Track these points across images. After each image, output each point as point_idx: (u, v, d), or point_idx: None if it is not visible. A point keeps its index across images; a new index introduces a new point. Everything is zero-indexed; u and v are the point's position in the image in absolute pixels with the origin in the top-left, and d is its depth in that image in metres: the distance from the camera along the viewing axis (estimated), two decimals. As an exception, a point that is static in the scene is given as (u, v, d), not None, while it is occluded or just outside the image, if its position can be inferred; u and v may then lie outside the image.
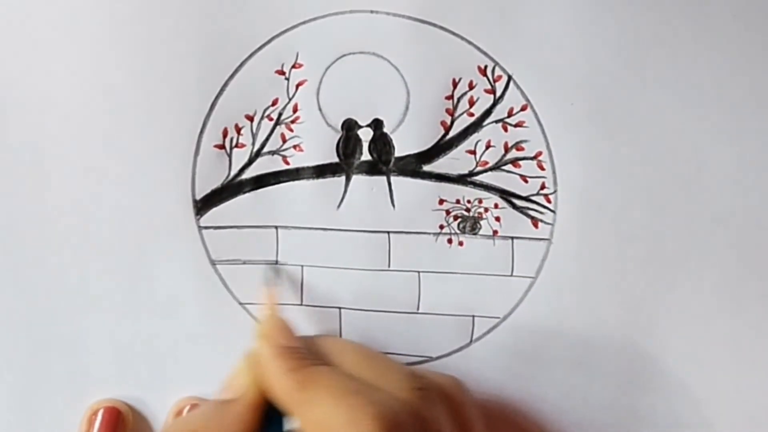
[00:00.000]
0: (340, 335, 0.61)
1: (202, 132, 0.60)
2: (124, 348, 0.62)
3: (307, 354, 0.53)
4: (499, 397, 0.61)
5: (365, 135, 0.61)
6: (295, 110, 0.60)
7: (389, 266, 0.61)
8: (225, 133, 0.60)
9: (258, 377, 0.52)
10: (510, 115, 0.60)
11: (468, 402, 0.54)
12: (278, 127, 0.60)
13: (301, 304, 0.61)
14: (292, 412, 0.50)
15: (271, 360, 0.52)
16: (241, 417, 0.52)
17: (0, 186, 0.60)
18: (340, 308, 0.61)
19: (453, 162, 0.60)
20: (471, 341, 0.61)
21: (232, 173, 0.61)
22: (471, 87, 0.60)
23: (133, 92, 0.60)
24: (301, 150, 0.60)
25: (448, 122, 0.60)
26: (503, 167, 0.60)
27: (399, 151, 0.60)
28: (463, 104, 0.60)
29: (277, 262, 0.61)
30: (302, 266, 0.61)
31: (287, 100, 0.60)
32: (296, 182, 0.60)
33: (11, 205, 0.61)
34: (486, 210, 0.60)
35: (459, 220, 0.60)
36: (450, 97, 0.60)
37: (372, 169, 0.60)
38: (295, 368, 0.51)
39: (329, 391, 0.49)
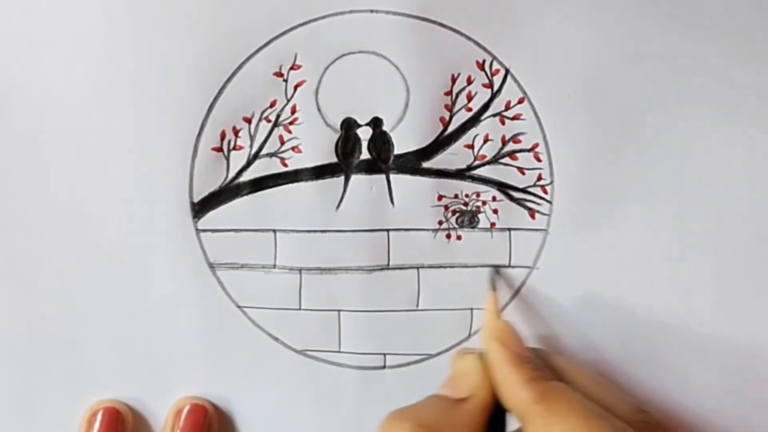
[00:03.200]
0: (340, 336, 0.61)
1: (199, 134, 0.59)
2: (123, 349, 0.61)
3: (542, 366, 0.53)
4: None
5: (364, 134, 0.60)
6: (293, 111, 0.59)
7: (388, 264, 0.61)
8: (223, 136, 0.59)
9: (490, 380, 0.53)
10: (507, 108, 0.60)
11: None
12: (276, 128, 0.60)
13: (300, 309, 0.60)
14: (526, 421, 0.50)
15: (509, 366, 0.52)
16: (473, 419, 0.52)
17: (-1, 186, 0.59)
18: (339, 311, 0.61)
19: (451, 157, 0.60)
20: (470, 335, 0.61)
21: (230, 176, 0.60)
22: (469, 82, 0.60)
23: (131, 95, 0.59)
24: (300, 151, 0.60)
25: (447, 118, 0.60)
26: (501, 160, 0.60)
27: (398, 149, 0.60)
28: (462, 99, 0.60)
29: (496, 268, 0.61)
30: (300, 269, 0.60)
31: (285, 101, 0.59)
32: (294, 185, 0.60)
33: (10, 206, 0.60)
34: (484, 203, 0.61)
35: (457, 214, 0.61)
36: (449, 93, 0.60)
37: (371, 167, 0.60)
38: (535, 379, 0.51)
39: (573, 409, 0.49)
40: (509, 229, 0.61)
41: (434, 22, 0.59)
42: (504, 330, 0.55)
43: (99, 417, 0.60)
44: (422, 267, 0.61)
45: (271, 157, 0.60)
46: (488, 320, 0.58)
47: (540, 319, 0.61)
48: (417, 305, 0.61)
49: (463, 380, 0.54)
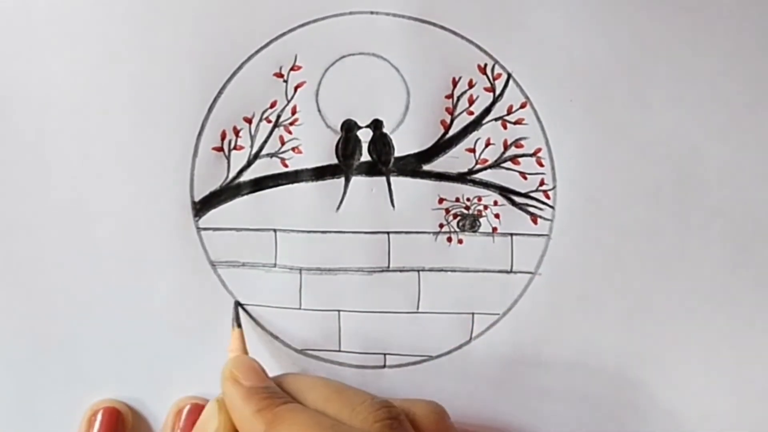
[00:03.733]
0: (340, 337, 0.61)
1: (200, 134, 0.59)
2: (123, 348, 0.61)
3: (275, 393, 0.53)
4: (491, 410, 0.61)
5: (365, 136, 0.60)
6: (293, 112, 0.60)
7: (389, 267, 0.61)
8: (223, 136, 0.60)
9: (229, 419, 0.53)
10: (509, 112, 0.60)
11: (447, 429, 0.54)
12: (277, 129, 0.60)
13: (300, 308, 0.60)
14: None
15: (240, 401, 0.52)
16: None
17: (-1, 187, 0.59)
18: (339, 311, 0.61)
19: (453, 161, 0.60)
20: (471, 338, 0.61)
21: (231, 175, 0.60)
22: (471, 85, 0.60)
23: (132, 94, 0.59)
24: (300, 152, 0.60)
25: (448, 121, 0.60)
26: (502, 164, 0.60)
27: (399, 151, 0.60)
28: (463, 103, 0.60)
29: (237, 304, 0.61)
30: (300, 269, 0.60)
31: (286, 102, 0.60)
32: (295, 185, 0.60)
33: (10, 206, 0.60)
34: (485, 207, 0.60)
35: (458, 218, 0.60)
36: (450, 96, 0.60)
37: (371, 169, 0.60)
38: (264, 408, 0.51)
39: (298, 428, 0.49)
40: (511, 234, 0.61)
41: (435, 24, 0.59)
42: (236, 366, 0.55)
43: (99, 417, 0.60)
44: (423, 270, 0.61)
45: (271, 157, 0.60)
46: (228, 359, 0.57)
47: (542, 327, 0.60)
48: (417, 307, 0.61)
49: (205, 427, 0.54)
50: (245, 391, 0.53)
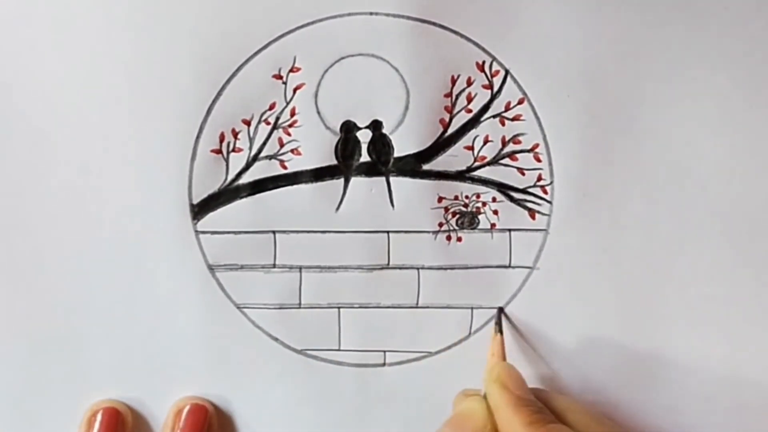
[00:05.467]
0: (339, 334, 0.61)
1: (198, 137, 0.59)
2: (123, 350, 0.61)
3: (543, 409, 0.54)
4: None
5: (364, 136, 0.60)
6: (292, 114, 0.59)
7: (388, 265, 0.60)
8: (222, 138, 0.59)
9: (492, 422, 0.54)
10: (507, 109, 0.60)
11: None
12: (276, 131, 0.60)
13: (300, 306, 0.60)
14: None
15: (511, 410, 0.54)
16: None
17: (-1, 188, 0.59)
18: (338, 308, 0.61)
19: (451, 159, 0.60)
20: (470, 333, 0.61)
21: (229, 178, 0.60)
22: (469, 83, 0.59)
23: (130, 96, 0.59)
24: (299, 154, 0.60)
25: (447, 120, 0.60)
26: (501, 161, 0.60)
27: (398, 152, 0.60)
28: (462, 101, 0.60)
29: (501, 310, 0.61)
30: (300, 268, 0.60)
31: (285, 103, 0.59)
32: (294, 187, 0.60)
33: (10, 207, 0.60)
34: (484, 204, 0.61)
35: (457, 215, 0.60)
36: (449, 95, 0.60)
37: (371, 170, 0.60)
38: (535, 422, 0.52)
39: None
40: (509, 230, 0.61)
41: (434, 23, 0.59)
42: (506, 373, 0.56)
43: (99, 417, 0.60)
44: (422, 268, 0.61)
45: (270, 159, 0.60)
46: (491, 363, 0.58)
47: (540, 320, 0.61)
48: (417, 304, 0.61)
49: (467, 421, 0.55)
50: (516, 399, 0.54)
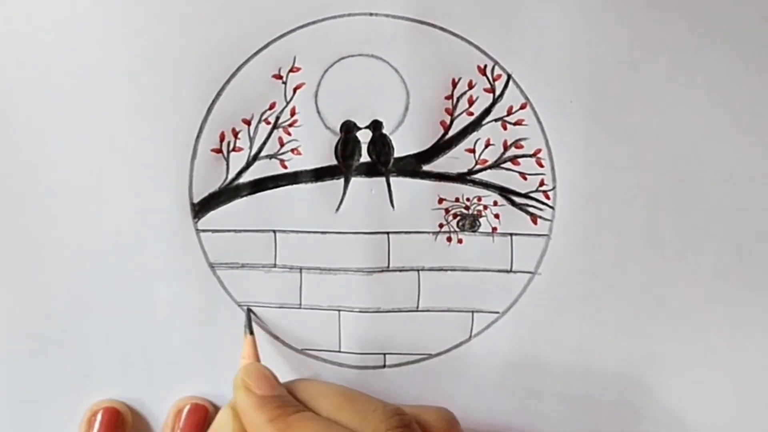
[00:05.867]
0: (340, 336, 0.61)
1: (199, 136, 0.59)
2: (123, 349, 0.61)
3: (288, 401, 0.54)
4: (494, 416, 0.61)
5: (364, 137, 0.60)
6: (292, 113, 0.59)
7: (389, 266, 0.60)
8: (222, 137, 0.60)
9: (242, 427, 0.54)
10: (509, 113, 0.60)
11: None
12: (276, 130, 0.60)
13: (300, 307, 0.60)
14: None
15: (252, 410, 0.53)
16: None
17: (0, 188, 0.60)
18: (339, 310, 0.61)
19: (452, 161, 0.60)
20: (470, 337, 0.61)
21: (230, 177, 0.60)
22: (470, 86, 0.59)
23: (131, 96, 0.59)
24: (299, 153, 0.60)
25: (448, 122, 0.60)
26: (502, 165, 0.60)
27: (398, 152, 0.60)
28: (463, 104, 0.60)
29: (249, 311, 0.61)
30: (300, 268, 0.60)
31: (285, 103, 0.59)
32: (294, 186, 0.60)
33: (10, 206, 0.60)
34: (485, 207, 0.60)
35: (458, 218, 0.60)
36: (449, 97, 0.59)
37: (371, 170, 0.60)
38: (276, 417, 0.52)
39: None
40: (511, 234, 0.61)
41: (435, 25, 0.59)
42: (247, 375, 0.55)
43: (99, 417, 0.60)
44: (422, 269, 0.61)
45: (270, 158, 0.60)
46: (239, 367, 0.57)
47: (541, 326, 0.61)
48: (417, 306, 0.61)
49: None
50: (257, 399, 0.54)
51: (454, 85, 0.59)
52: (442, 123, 0.60)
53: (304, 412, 0.53)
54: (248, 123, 0.60)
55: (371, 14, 0.59)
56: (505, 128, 0.60)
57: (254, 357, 0.58)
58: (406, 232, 0.61)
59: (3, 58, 0.59)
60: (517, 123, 0.60)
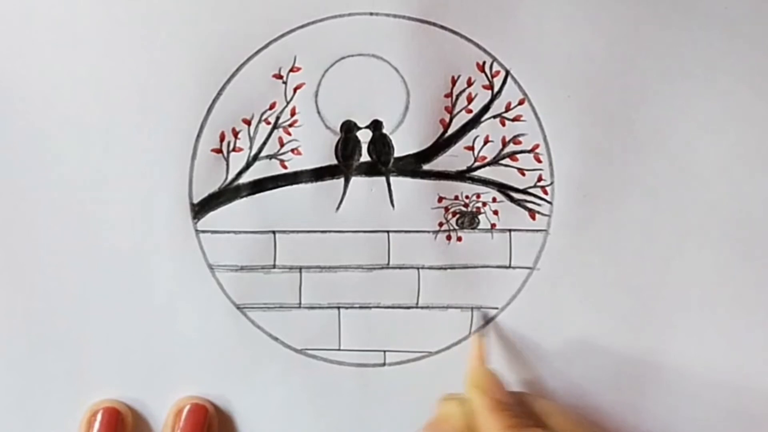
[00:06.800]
0: (339, 334, 0.61)
1: (199, 136, 0.59)
2: (123, 349, 0.61)
3: (523, 413, 0.54)
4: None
5: (364, 136, 0.60)
6: (293, 114, 0.59)
7: (389, 265, 0.60)
8: (222, 137, 0.59)
9: (470, 425, 0.55)
10: (508, 109, 0.60)
11: None
12: (276, 130, 0.60)
13: (300, 306, 0.60)
14: None
15: (489, 413, 0.54)
16: None
17: None
18: (339, 307, 0.61)
19: (452, 159, 0.60)
20: (470, 333, 0.61)
21: (230, 177, 0.60)
22: (469, 84, 0.59)
23: (131, 96, 0.59)
24: (299, 153, 0.60)
25: (447, 120, 0.60)
26: (501, 161, 0.60)
27: (398, 152, 0.60)
28: (462, 101, 0.60)
29: (486, 315, 0.61)
30: (300, 268, 0.60)
31: (285, 103, 0.59)
32: (294, 186, 0.60)
33: (10, 206, 0.60)
34: (484, 204, 0.61)
35: (458, 216, 0.61)
36: (449, 95, 0.60)
37: (371, 170, 0.60)
38: (513, 427, 0.53)
39: None
40: (510, 230, 0.61)
41: (434, 24, 0.59)
42: (486, 377, 0.57)
43: (99, 417, 0.60)
44: (422, 268, 0.61)
45: (270, 158, 0.60)
46: (472, 367, 0.59)
47: (540, 321, 0.61)
48: (417, 304, 0.61)
49: (446, 424, 0.56)
50: (495, 404, 0.55)
51: (454, 82, 0.59)
52: (442, 121, 0.60)
53: (538, 429, 0.54)
54: (248, 123, 0.59)
55: (371, 14, 0.58)
56: (503, 125, 0.60)
57: (484, 360, 0.59)
58: (406, 232, 0.61)
59: (3, 58, 0.59)
60: (516, 119, 0.60)
